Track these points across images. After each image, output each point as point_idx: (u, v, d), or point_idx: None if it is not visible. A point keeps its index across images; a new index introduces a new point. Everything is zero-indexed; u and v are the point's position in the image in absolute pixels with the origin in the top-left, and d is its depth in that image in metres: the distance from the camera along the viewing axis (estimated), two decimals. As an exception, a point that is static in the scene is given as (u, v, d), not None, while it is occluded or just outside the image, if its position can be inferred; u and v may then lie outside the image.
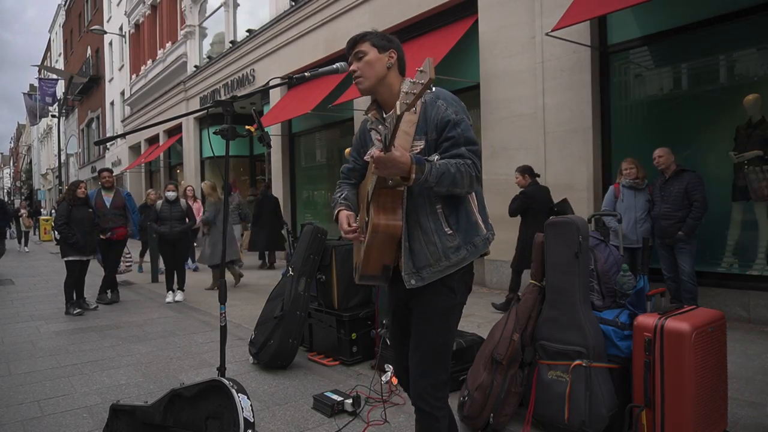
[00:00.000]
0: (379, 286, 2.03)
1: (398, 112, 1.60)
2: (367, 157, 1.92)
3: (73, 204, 6.38)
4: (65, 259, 6.40)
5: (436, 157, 1.83)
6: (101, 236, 6.72)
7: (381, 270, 1.92)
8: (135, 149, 23.22)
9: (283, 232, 9.46)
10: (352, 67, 1.97)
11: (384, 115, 1.97)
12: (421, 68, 1.59)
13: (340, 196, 2.09)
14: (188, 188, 9.86)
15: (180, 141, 17.55)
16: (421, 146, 1.85)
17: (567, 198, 5.62)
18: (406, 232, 1.87)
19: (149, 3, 20.32)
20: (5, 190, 73.40)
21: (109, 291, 7.08)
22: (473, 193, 1.92)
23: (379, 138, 1.95)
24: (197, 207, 9.74)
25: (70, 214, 6.34)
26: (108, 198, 6.95)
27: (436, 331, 1.90)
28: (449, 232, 1.86)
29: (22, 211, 17.66)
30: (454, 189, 1.79)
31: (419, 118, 1.87)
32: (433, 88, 1.92)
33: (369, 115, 2.05)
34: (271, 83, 10.88)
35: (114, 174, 7.91)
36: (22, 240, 17.04)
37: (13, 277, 10.18)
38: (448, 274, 1.87)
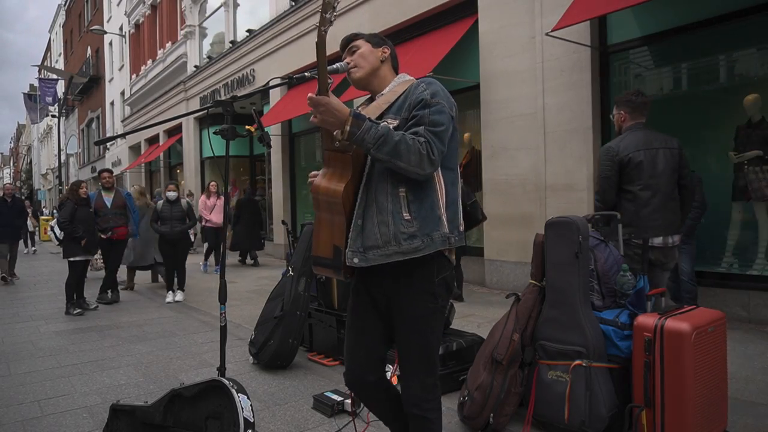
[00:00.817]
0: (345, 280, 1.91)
1: (318, 41, 1.63)
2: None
3: (78, 204, 6.45)
4: (71, 259, 6.42)
5: (383, 123, 1.78)
6: (102, 236, 6.75)
7: (332, 252, 1.83)
8: (135, 149, 23.22)
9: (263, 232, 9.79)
10: (345, 60, 1.99)
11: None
12: None
13: None
14: (212, 184, 10.02)
15: (180, 141, 17.55)
16: (395, 124, 1.82)
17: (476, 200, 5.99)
18: (362, 210, 1.81)
19: (149, 3, 20.33)
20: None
21: (109, 291, 7.09)
22: (442, 191, 1.84)
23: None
24: (220, 203, 9.68)
25: (75, 214, 6.39)
26: (108, 198, 6.98)
27: (420, 336, 1.89)
28: (407, 218, 1.77)
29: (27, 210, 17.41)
30: (398, 161, 1.69)
31: (400, 98, 1.87)
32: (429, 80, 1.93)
33: (359, 108, 2.06)
34: (271, 83, 10.89)
35: (114, 174, 7.93)
36: (28, 241, 16.36)
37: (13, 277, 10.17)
38: (422, 281, 1.83)
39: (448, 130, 1.79)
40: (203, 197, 9.94)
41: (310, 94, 1.69)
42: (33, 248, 16.44)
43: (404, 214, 1.77)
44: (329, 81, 1.69)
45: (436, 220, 1.81)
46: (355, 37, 2.02)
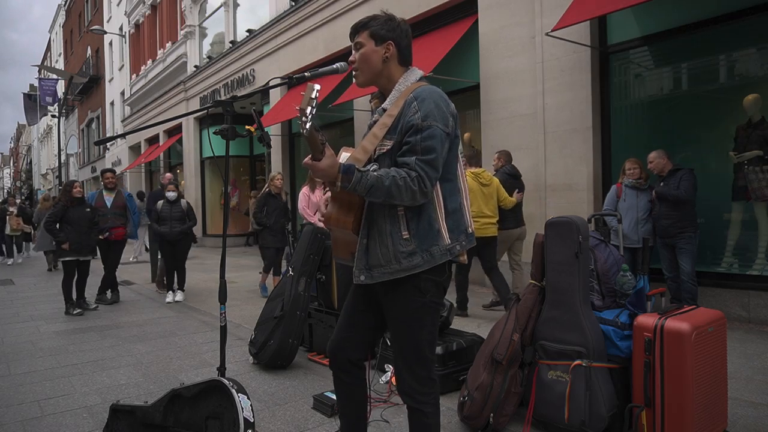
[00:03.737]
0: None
1: (302, 130, 1.66)
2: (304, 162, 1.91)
3: (70, 204, 6.37)
4: (61, 259, 6.43)
5: (374, 167, 1.81)
6: (100, 236, 6.71)
7: (350, 256, 1.98)
8: (135, 149, 23.22)
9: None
10: (351, 58, 1.98)
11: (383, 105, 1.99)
12: (304, 92, 1.64)
13: None
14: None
15: (180, 141, 17.54)
16: (389, 146, 1.85)
17: None
18: (366, 230, 1.89)
19: (149, 3, 20.33)
20: (5, 190, 73.34)
21: (109, 291, 7.08)
22: (440, 203, 1.86)
23: (376, 118, 1.99)
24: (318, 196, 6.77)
25: (66, 215, 6.32)
26: (109, 198, 6.97)
27: (409, 330, 1.91)
28: (405, 236, 1.82)
29: (11, 209, 12.74)
30: (391, 201, 1.77)
31: (396, 118, 1.85)
32: (420, 87, 1.87)
33: (372, 103, 2.07)
34: (271, 83, 10.88)
35: (116, 174, 7.88)
36: (15, 248, 12.90)
37: (13, 277, 10.17)
38: (409, 275, 1.85)
39: (441, 155, 1.79)
40: (305, 190, 6.81)
41: (305, 160, 1.76)
42: (8, 260, 12.91)
43: (403, 233, 1.83)
44: (322, 142, 1.72)
45: (435, 234, 1.84)
46: (363, 27, 1.95)
